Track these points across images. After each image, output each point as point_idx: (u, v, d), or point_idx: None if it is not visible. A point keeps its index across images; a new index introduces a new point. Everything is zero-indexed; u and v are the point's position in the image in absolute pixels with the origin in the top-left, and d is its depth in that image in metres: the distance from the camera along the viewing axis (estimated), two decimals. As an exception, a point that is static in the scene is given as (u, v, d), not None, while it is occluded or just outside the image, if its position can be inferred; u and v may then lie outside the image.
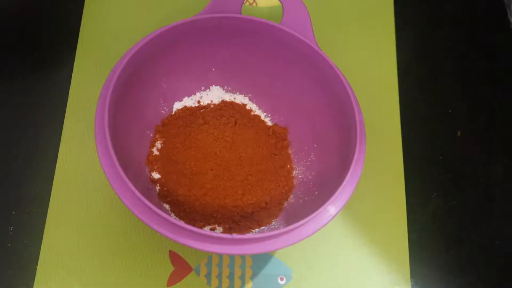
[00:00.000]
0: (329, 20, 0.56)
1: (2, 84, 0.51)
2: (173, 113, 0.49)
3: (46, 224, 0.45)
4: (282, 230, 0.36)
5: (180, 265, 0.45)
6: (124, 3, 0.55)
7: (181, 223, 0.35)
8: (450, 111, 0.53)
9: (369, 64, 0.54)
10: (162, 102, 0.48)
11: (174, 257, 0.45)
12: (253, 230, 0.44)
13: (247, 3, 0.56)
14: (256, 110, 0.50)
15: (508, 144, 0.52)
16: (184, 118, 0.48)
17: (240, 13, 0.45)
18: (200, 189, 0.44)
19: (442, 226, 0.49)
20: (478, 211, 0.49)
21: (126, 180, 0.36)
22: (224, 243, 0.35)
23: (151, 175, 0.46)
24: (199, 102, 0.50)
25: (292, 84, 0.48)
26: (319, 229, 0.37)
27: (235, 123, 0.48)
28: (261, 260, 0.46)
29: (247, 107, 0.50)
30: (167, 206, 0.44)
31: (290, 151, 0.48)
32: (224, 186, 0.44)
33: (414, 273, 0.46)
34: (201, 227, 0.43)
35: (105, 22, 0.54)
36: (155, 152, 0.47)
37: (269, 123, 0.50)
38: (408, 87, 0.54)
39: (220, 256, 0.45)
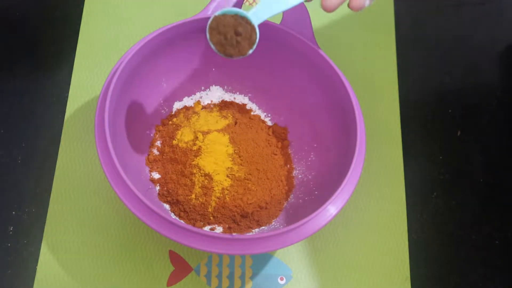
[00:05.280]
0: (329, 20, 0.56)
1: (2, 84, 0.51)
2: (173, 113, 0.49)
3: (46, 224, 0.45)
4: (282, 230, 0.36)
5: (180, 265, 0.45)
6: (123, 3, 0.55)
7: (181, 223, 0.35)
8: (450, 111, 0.54)
9: (369, 64, 0.54)
10: (162, 102, 0.48)
11: (174, 257, 0.45)
12: (253, 230, 0.44)
13: (247, 3, 0.56)
14: (256, 110, 0.50)
15: (508, 144, 0.52)
16: (184, 118, 0.48)
17: (240, 13, 0.44)
18: (200, 189, 0.44)
19: (442, 226, 0.49)
20: (478, 211, 0.49)
21: (126, 180, 0.35)
22: (224, 243, 0.35)
23: (151, 175, 0.46)
24: (199, 102, 0.50)
25: (292, 84, 0.48)
26: (319, 229, 0.37)
27: (235, 123, 0.48)
28: (261, 260, 0.46)
29: (247, 107, 0.50)
30: (167, 206, 0.44)
31: (290, 151, 0.49)
32: (224, 186, 0.44)
33: (414, 273, 0.46)
34: (201, 227, 0.43)
35: (105, 22, 0.54)
36: (155, 152, 0.47)
37: (269, 123, 0.50)
38: (408, 87, 0.54)
39: (220, 256, 0.45)
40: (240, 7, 0.44)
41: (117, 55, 0.52)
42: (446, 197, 0.50)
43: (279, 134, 0.49)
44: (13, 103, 0.50)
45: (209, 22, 0.36)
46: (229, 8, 0.36)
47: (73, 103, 0.50)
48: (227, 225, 0.44)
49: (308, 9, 0.45)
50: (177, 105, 0.49)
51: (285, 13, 0.44)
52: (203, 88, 0.50)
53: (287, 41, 0.44)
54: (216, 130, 0.47)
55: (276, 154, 0.48)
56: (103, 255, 0.45)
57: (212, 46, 0.36)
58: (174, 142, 0.46)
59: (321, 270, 0.46)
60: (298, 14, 0.44)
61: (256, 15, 0.36)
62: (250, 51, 0.36)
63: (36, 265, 0.44)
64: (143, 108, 0.46)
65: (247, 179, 0.45)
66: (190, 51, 0.46)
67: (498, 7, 0.59)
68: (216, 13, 0.36)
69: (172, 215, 0.44)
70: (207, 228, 0.44)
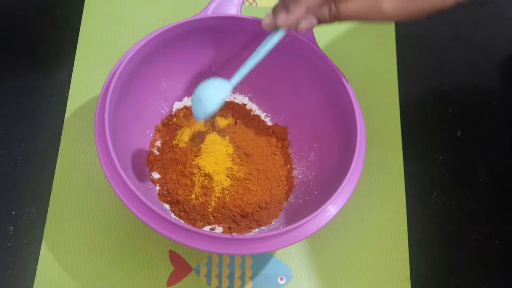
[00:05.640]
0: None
1: (2, 84, 0.51)
2: (173, 113, 0.49)
3: (46, 224, 0.45)
4: (282, 230, 0.36)
5: (180, 265, 0.45)
6: (123, 3, 0.55)
7: (181, 223, 0.35)
8: (450, 111, 0.54)
9: (369, 64, 0.54)
10: (162, 102, 0.48)
11: (174, 257, 0.45)
12: (253, 230, 0.44)
13: (247, 3, 0.56)
14: (256, 110, 0.50)
15: (508, 144, 0.52)
16: (184, 118, 0.48)
17: (240, 13, 0.45)
18: (200, 189, 0.44)
19: (442, 226, 0.49)
20: (478, 211, 0.49)
21: (126, 180, 0.35)
22: (224, 243, 0.35)
23: (151, 175, 0.46)
24: (199, 102, 0.50)
25: (292, 84, 0.48)
26: (319, 229, 0.37)
27: (235, 123, 0.48)
28: (261, 260, 0.46)
29: (247, 107, 0.50)
30: (167, 206, 0.44)
31: (290, 151, 0.49)
32: (224, 186, 0.44)
33: (414, 273, 0.46)
34: (201, 227, 0.43)
35: (105, 22, 0.54)
36: (155, 152, 0.47)
37: (269, 123, 0.50)
38: (408, 87, 0.54)
39: (220, 256, 0.45)
40: (240, 7, 0.44)
41: (117, 55, 0.52)
42: (446, 197, 0.50)
43: (279, 134, 0.49)
44: (13, 103, 0.50)
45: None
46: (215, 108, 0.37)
47: (73, 103, 0.50)
48: (227, 225, 0.44)
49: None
50: (177, 105, 0.49)
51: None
52: (203, 88, 0.50)
53: (287, 42, 0.44)
54: (216, 130, 0.47)
55: (276, 154, 0.48)
56: (103, 255, 0.45)
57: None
58: (174, 142, 0.46)
59: (321, 270, 0.46)
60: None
61: (233, 85, 0.38)
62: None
63: (36, 265, 0.44)
64: (143, 108, 0.46)
65: (247, 179, 0.45)
66: (190, 51, 0.46)
67: (498, 8, 0.59)
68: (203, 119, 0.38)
69: (172, 215, 0.44)
70: (207, 228, 0.44)
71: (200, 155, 0.45)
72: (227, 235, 0.35)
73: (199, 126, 0.47)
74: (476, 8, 0.59)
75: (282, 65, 0.47)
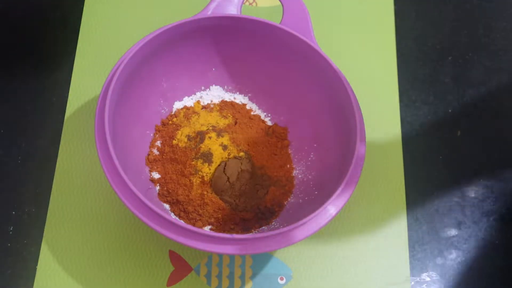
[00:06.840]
0: (329, 20, 0.56)
1: (2, 84, 0.51)
2: (173, 112, 0.49)
3: (46, 224, 0.45)
4: (282, 230, 0.36)
5: (180, 265, 0.45)
6: (124, 3, 0.55)
7: (181, 223, 0.35)
8: (450, 111, 0.54)
9: (369, 64, 0.54)
10: (162, 102, 0.48)
11: (174, 257, 0.45)
12: (253, 230, 0.44)
13: (247, 3, 0.56)
14: (256, 109, 0.50)
15: (508, 144, 0.52)
16: (184, 118, 0.48)
17: (240, 13, 0.45)
18: (200, 189, 0.44)
19: (442, 226, 0.49)
20: (478, 211, 0.49)
21: (126, 180, 0.36)
22: (224, 243, 0.35)
23: (151, 175, 0.46)
24: (199, 102, 0.50)
25: (292, 84, 0.48)
26: (319, 229, 0.37)
27: (235, 122, 0.48)
28: (261, 260, 0.46)
29: (247, 107, 0.50)
30: (167, 206, 0.44)
31: (290, 151, 0.49)
32: (224, 186, 0.44)
33: (414, 273, 0.46)
34: (201, 227, 0.43)
35: (105, 22, 0.54)
36: (155, 152, 0.47)
37: (269, 123, 0.50)
38: (408, 87, 0.54)
39: (220, 256, 0.45)
40: (241, 7, 0.44)
41: (117, 55, 0.52)
42: (446, 197, 0.50)
43: (279, 134, 0.49)
44: (13, 103, 0.50)
45: None
46: None
47: (73, 103, 0.50)
48: (227, 225, 0.44)
49: (308, 9, 0.45)
50: (177, 105, 0.49)
51: (285, 13, 0.44)
52: (203, 88, 0.50)
53: (287, 41, 0.44)
54: (216, 130, 0.47)
55: (276, 154, 0.48)
56: (103, 255, 0.45)
57: None
58: (174, 142, 0.46)
59: (321, 270, 0.46)
60: (298, 14, 0.44)
61: None
62: None
63: (36, 265, 0.44)
64: (143, 108, 0.46)
65: (247, 179, 0.45)
66: (190, 51, 0.46)
67: (498, 7, 0.59)
68: None
69: (172, 215, 0.44)
70: (207, 228, 0.44)
71: (200, 155, 0.45)
72: (227, 235, 0.35)
73: (199, 126, 0.47)
74: (476, 8, 0.59)
75: (282, 65, 0.47)
